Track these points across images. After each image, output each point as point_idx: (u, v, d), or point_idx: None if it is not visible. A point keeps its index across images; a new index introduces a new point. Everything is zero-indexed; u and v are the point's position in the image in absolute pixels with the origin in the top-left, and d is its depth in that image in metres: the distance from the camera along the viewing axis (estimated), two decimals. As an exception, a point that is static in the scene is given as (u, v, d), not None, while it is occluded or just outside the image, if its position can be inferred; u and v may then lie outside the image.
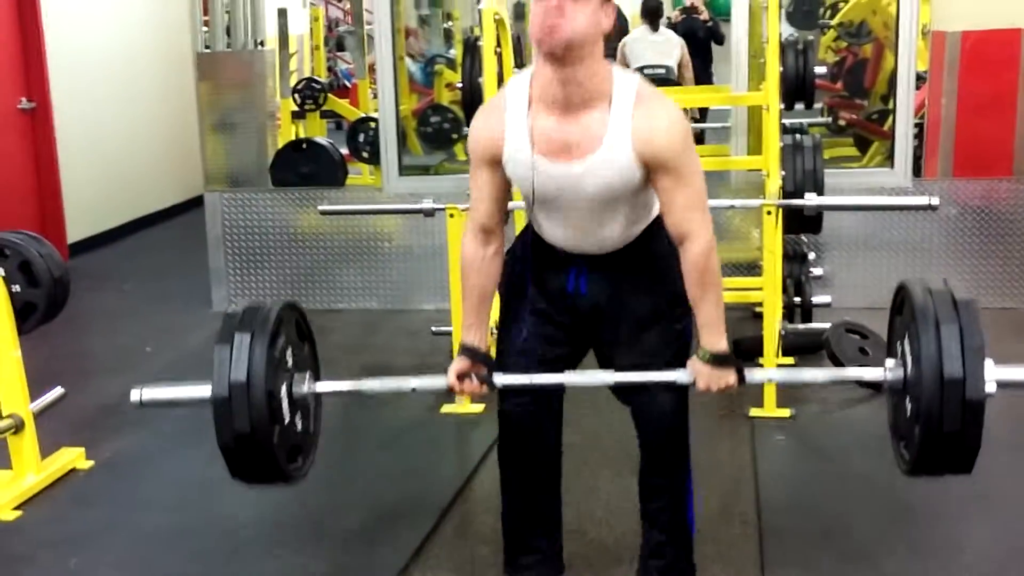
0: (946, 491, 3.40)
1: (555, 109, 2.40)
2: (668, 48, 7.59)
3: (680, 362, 2.56)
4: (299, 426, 2.64)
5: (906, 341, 2.42)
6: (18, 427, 3.60)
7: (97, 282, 6.58)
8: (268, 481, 2.58)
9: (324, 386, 2.72)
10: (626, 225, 2.55)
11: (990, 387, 2.30)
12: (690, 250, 2.44)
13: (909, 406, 2.39)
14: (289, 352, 2.62)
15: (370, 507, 3.49)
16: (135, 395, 2.65)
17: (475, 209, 2.57)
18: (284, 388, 2.57)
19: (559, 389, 2.78)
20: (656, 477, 2.75)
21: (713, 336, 2.47)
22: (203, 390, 2.52)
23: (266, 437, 2.47)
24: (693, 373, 2.49)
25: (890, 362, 2.50)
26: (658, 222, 2.56)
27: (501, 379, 2.58)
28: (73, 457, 3.84)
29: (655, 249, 2.60)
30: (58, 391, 3.91)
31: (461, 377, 2.58)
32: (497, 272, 2.61)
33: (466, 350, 2.59)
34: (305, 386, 2.65)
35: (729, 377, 2.48)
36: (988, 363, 2.32)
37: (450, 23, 9.45)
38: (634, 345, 2.63)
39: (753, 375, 2.59)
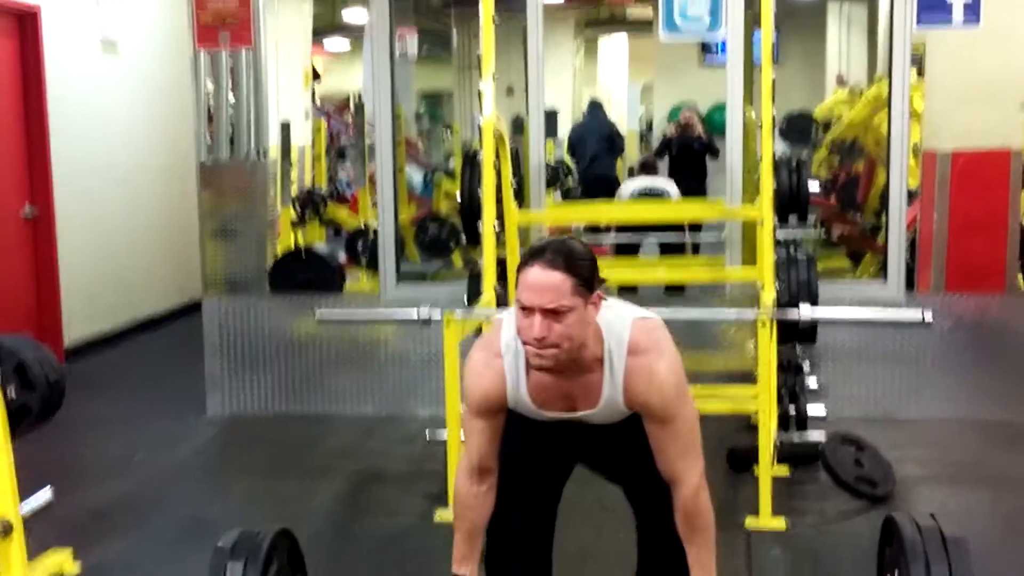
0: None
1: (552, 375, 2.46)
2: (665, 184, 7.73)
3: None
4: None
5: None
6: (6, 530, 3.56)
7: (92, 386, 6.57)
8: None
9: None
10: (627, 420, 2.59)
11: None
12: (679, 493, 2.49)
13: None
14: None
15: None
16: None
17: (470, 451, 2.59)
18: None
19: (554, 498, 2.78)
20: None
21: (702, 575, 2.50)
22: None
23: None
24: None
25: None
26: None
27: None
28: (61, 561, 3.78)
29: None
30: (48, 495, 3.88)
31: None
32: (490, 507, 2.63)
33: None
34: None
35: None
36: None
37: (449, 134, 9.65)
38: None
39: None
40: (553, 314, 2.28)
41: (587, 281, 2.33)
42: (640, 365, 2.42)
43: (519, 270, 2.34)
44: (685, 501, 2.46)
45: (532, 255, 2.34)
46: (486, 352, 2.53)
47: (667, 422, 2.43)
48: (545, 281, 2.29)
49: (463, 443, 2.66)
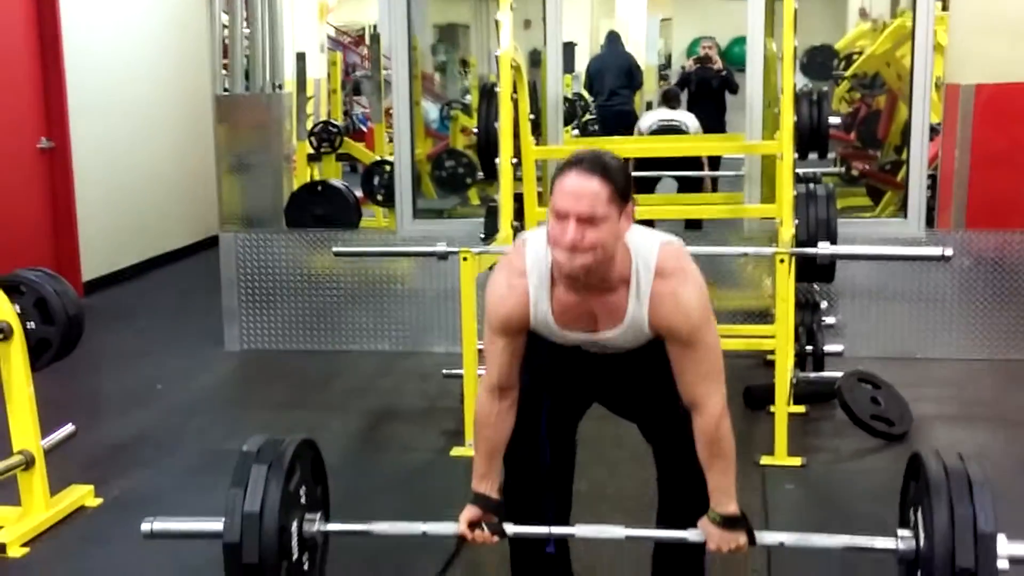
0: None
1: (577, 291, 2.44)
2: (684, 118, 7.68)
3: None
4: (306, 566, 2.66)
5: (919, 513, 2.47)
6: (28, 463, 3.61)
7: (111, 320, 6.61)
8: None
9: (334, 526, 2.77)
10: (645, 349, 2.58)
11: (1002, 564, 2.35)
12: (700, 419, 2.47)
13: None
14: (303, 490, 2.66)
15: (377, 550, 3.46)
16: (146, 527, 2.74)
17: (491, 370, 2.58)
18: (295, 525, 2.61)
19: (571, 433, 2.79)
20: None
21: (723, 500, 2.51)
22: (215, 524, 2.57)
23: (273, 572, 2.50)
24: (704, 533, 2.53)
25: (902, 533, 2.52)
26: None
27: (512, 529, 2.62)
28: (82, 494, 3.83)
29: None
30: (69, 428, 3.92)
31: (472, 526, 2.61)
32: (510, 425, 2.62)
33: (478, 499, 2.62)
34: (315, 525, 2.69)
35: (740, 539, 2.51)
36: (1001, 539, 2.35)
37: (466, 70, 9.55)
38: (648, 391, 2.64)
39: (763, 537, 2.59)
40: (588, 221, 2.28)
41: (622, 192, 2.33)
42: (667, 288, 2.41)
43: (556, 177, 2.35)
44: (707, 427, 2.46)
45: (570, 163, 2.34)
46: (509, 271, 2.53)
47: (691, 346, 2.43)
48: (582, 187, 2.29)
49: (481, 370, 2.66)
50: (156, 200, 8.25)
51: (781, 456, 4.09)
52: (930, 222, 5.52)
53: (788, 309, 4.18)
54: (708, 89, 8.74)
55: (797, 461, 4.08)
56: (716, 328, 2.48)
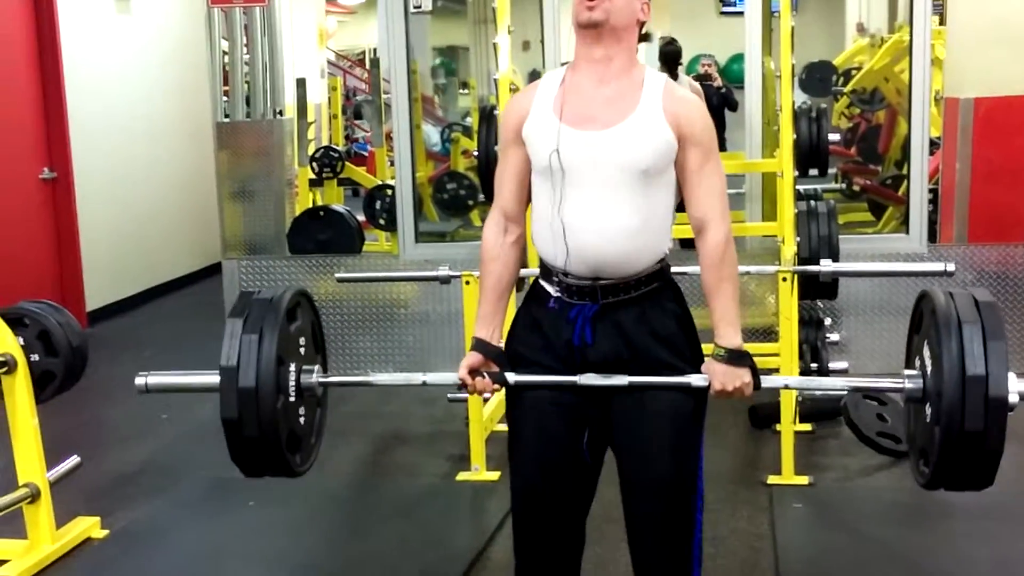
0: (965, 560, 3.37)
1: (589, 84, 2.43)
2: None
3: (689, 446, 2.48)
4: (302, 416, 2.61)
5: (925, 348, 2.41)
6: (34, 496, 3.60)
7: (115, 350, 6.61)
8: (267, 467, 2.54)
9: (334, 378, 2.71)
10: (641, 228, 2.43)
11: (1013, 398, 2.28)
12: (709, 238, 2.43)
13: (929, 411, 2.36)
14: (301, 339, 2.61)
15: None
16: (140, 381, 2.70)
17: (499, 191, 2.56)
18: (293, 368, 2.55)
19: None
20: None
21: (728, 331, 2.41)
22: (211, 378, 2.53)
23: (269, 405, 2.44)
24: (708, 374, 2.42)
25: (908, 372, 2.49)
26: (673, 285, 2.52)
27: (514, 377, 2.47)
28: (88, 526, 3.83)
29: (668, 305, 2.49)
30: (74, 460, 3.92)
31: (473, 373, 2.50)
32: (516, 261, 2.56)
33: (479, 344, 2.51)
34: (314, 376, 2.63)
35: (744, 376, 2.40)
36: (1011, 375, 2.30)
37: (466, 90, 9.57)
38: (645, 431, 2.51)
39: (768, 380, 2.49)
40: None
41: None
42: (677, 91, 2.44)
43: None
44: (717, 244, 2.42)
45: None
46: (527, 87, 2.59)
47: (705, 147, 2.41)
48: None
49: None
50: (159, 228, 8.27)
51: (788, 475, 4.08)
52: (932, 237, 5.53)
53: (792, 327, 4.18)
54: (708, 106, 8.70)
55: (804, 480, 4.07)
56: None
